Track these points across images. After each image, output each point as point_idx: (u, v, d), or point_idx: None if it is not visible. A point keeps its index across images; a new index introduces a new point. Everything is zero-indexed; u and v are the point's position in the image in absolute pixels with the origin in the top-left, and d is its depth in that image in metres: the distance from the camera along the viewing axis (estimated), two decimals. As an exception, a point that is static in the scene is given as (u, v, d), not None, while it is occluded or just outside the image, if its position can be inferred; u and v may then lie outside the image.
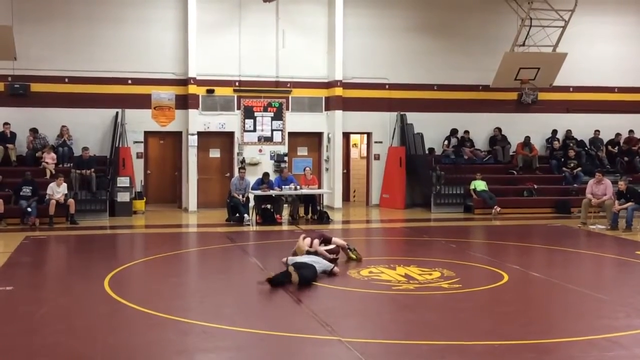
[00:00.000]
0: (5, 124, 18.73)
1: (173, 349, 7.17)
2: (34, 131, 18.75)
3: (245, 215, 17.28)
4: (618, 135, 22.47)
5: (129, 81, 19.83)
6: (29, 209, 16.38)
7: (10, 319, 8.26)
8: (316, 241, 11.38)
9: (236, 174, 18.98)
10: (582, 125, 22.33)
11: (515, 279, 10.62)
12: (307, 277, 9.73)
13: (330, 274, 10.39)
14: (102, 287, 9.75)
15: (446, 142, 21.45)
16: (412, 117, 21.26)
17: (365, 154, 22.55)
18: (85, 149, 18.49)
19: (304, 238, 11.52)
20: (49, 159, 18.36)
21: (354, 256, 11.73)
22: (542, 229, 16.93)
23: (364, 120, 21.34)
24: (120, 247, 15.16)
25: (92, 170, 18.15)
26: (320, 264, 10.36)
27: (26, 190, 16.74)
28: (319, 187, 19.25)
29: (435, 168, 20.30)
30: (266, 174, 18.13)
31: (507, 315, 8.59)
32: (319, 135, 21.42)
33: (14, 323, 8.05)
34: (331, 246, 11.58)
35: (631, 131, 22.63)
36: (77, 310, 8.74)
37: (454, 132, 21.53)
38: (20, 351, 7.03)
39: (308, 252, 11.02)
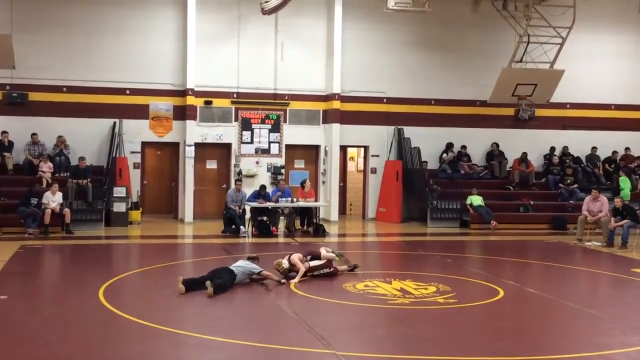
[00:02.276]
0: (3, 132, 18.73)
1: (167, 360, 7.15)
2: (34, 136, 18.80)
3: (242, 227, 17.26)
4: (615, 152, 22.53)
5: (127, 91, 19.86)
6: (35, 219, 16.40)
7: (4, 329, 8.22)
8: (294, 255, 11.40)
9: (232, 185, 18.97)
10: (579, 142, 22.42)
11: (510, 294, 10.62)
12: (221, 285, 10.14)
13: (258, 275, 10.76)
14: (96, 297, 9.72)
15: (445, 156, 21.48)
16: (409, 131, 21.30)
17: (362, 168, 22.56)
18: (81, 158, 18.47)
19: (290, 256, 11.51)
20: (46, 167, 18.34)
21: (346, 266, 11.82)
22: (537, 245, 16.94)
23: (361, 133, 21.38)
24: (116, 257, 15.11)
25: (89, 180, 18.13)
26: (244, 268, 10.71)
27: (33, 202, 16.73)
28: (316, 200, 19.25)
29: (429, 182, 20.33)
30: (263, 187, 18.12)
31: (503, 331, 8.59)
32: (316, 148, 21.44)
33: (7, 333, 8.01)
34: (322, 261, 11.59)
35: (627, 149, 22.70)
36: (71, 320, 8.70)
37: (449, 146, 21.56)
38: (14, 361, 7.01)
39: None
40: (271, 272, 11.04)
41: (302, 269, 11.21)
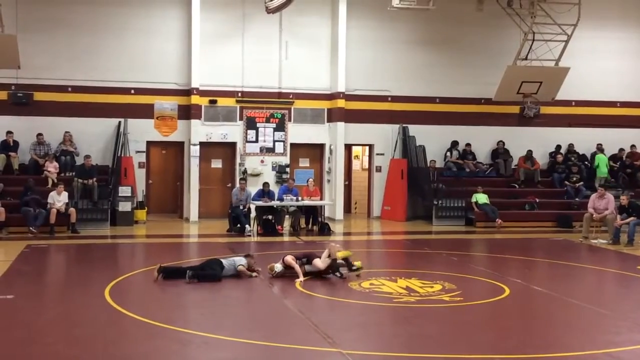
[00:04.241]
0: (8, 132, 18.76)
1: (173, 359, 7.15)
2: (40, 136, 18.82)
3: (247, 226, 17.27)
4: (621, 150, 22.45)
5: (132, 91, 19.88)
6: (37, 217, 16.43)
7: (11, 328, 8.24)
8: (287, 257, 11.36)
9: (237, 184, 18.97)
10: (584, 140, 22.33)
11: (516, 292, 10.59)
12: (209, 275, 10.85)
13: (236, 269, 11.18)
14: (102, 296, 9.74)
15: (449, 154, 21.44)
16: (414, 129, 21.28)
17: (367, 166, 22.55)
18: (87, 156, 18.49)
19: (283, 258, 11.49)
20: (52, 167, 18.38)
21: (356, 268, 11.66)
22: (543, 243, 16.91)
23: (366, 132, 21.37)
24: (121, 256, 15.14)
25: (94, 179, 18.16)
26: (232, 260, 11.34)
27: (31, 196, 16.76)
28: (321, 199, 19.24)
29: (434, 181, 20.30)
30: (266, 184, 18.13)
31: (508, 329, 8.58)
32: (320, 146, 21.44)
33: (14, 332, 8.04)
34: (314, 268, 11.37)
35: (633, 146, 22.62)
36: (78, 319, 8.72)
37: (454, 144, 21.53)
38: (20, 360, 7.03)
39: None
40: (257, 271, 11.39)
41: (298, 267, 11.19)
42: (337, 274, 11.28)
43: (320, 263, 11.30)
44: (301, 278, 10.99)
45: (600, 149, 21.94)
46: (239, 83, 20.52)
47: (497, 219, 19.16)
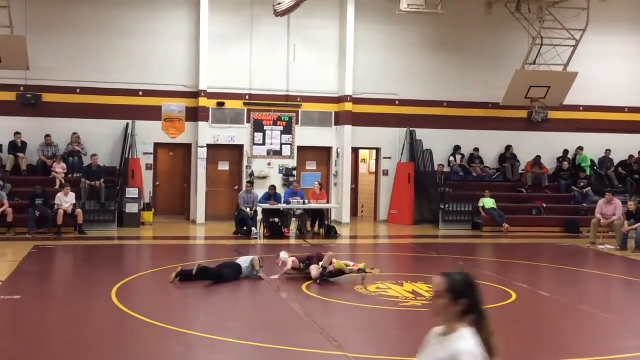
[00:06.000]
0: (17, 133, 18.82)
1: (179, 361, 7.16)
2: (48, 137, 18.87)
3: (253, 228, 17.28)
4: (631, 157, 22.33)
5: (140, 93, 19.92)
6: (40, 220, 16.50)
7: (18, 329, 8.27)
8: (290, 259, 11.53)
9: (244, 187, 18.98)
10: (592, 145, 22.24)
11: (523, 298, 10.57)
12: (217, 275, 10.91)
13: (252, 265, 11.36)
14: (109, 298, 9.76)
15: (452, 159, 21.40)
16: (421, 133, 21.25)
17: (374, 170, 22.53)
18: (94, 155, 18.49)
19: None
20: (59, 168, 18.44)
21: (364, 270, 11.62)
22: (550, 248, 16.86)
23: (373, 135, 21.34)
24: (128, 258, 15.18)
25: (102, 180, 18.19)
26: (246, 263, 11.37)
27: (39, 202, 16.81)
28: (328, 202, 19.23)
29: (441, 185, 20.27)
30: (272, 187, 18.13)
31: (515, 334, 8.54)
32: (328, 150, 21.43)
33: (21, 332, 8.06)
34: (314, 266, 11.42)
35: (641, 151, 22.57)
36: (84, 320, 8.74)
37: (457, 149, 21.46)
38: (27, 361, 7.05)
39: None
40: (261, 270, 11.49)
41: (289, 266, 11.34)
42: (331, 279, 11.20)
43: (314, 271, 11.25)
44: (276, 276, 11.21)
45: (581, 148, 21.93)
46: (247, 86, 20.54)
47: (504, 223, 19.11)
